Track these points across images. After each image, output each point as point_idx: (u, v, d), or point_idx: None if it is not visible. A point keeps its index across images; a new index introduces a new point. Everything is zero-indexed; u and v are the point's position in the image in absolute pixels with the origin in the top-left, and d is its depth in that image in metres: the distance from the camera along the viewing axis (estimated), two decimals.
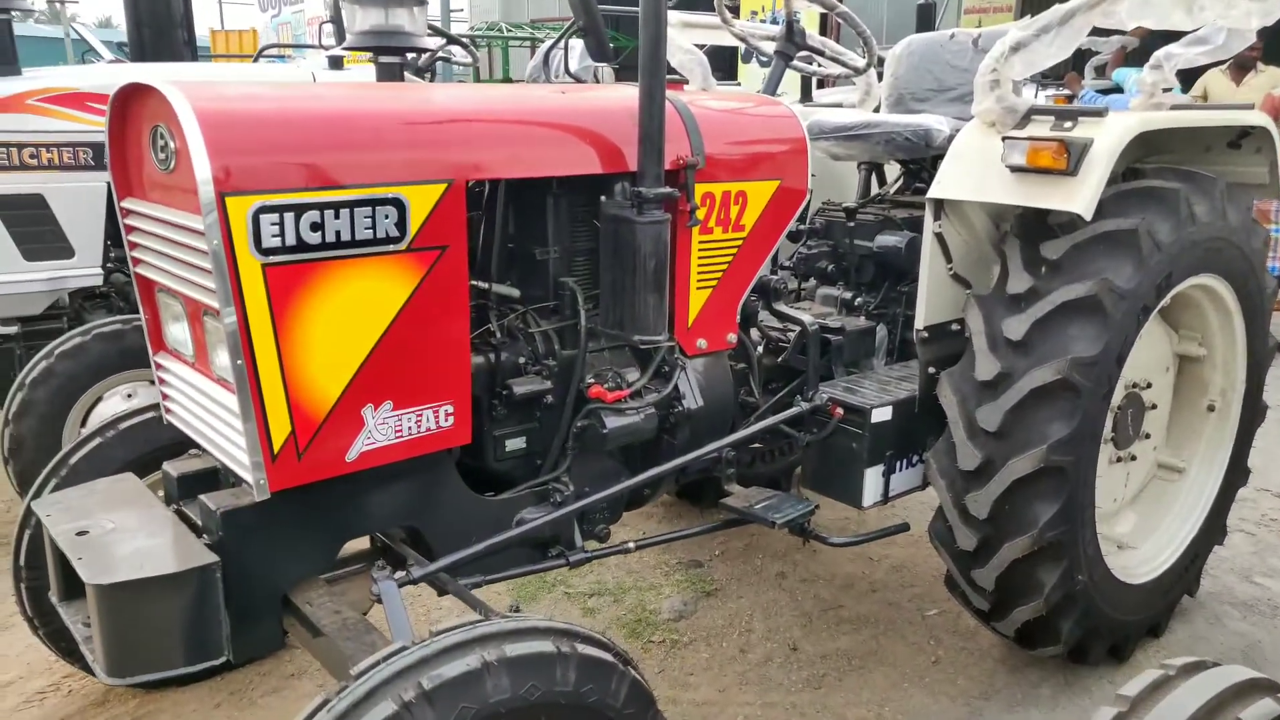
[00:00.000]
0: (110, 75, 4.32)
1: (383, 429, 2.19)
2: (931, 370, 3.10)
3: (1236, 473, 3.55)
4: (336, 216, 2.02)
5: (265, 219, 1.93)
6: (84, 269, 4.27)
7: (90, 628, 2.12)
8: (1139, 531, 3.42)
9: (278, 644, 2.32)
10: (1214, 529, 3.53)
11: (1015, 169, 2.72)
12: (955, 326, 3.15)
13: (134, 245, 2.33)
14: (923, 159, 3.67)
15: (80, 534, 2.12)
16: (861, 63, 3.31)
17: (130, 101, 2.17)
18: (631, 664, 1.97)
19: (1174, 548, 3.39)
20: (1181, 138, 3.20)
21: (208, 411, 2.19)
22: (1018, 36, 2.80)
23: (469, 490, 2.50)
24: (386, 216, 2.09)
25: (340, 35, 5.48)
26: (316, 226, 1.99)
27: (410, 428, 2.24)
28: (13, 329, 4.21)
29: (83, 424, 3.84)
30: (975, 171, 2.85)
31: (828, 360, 3.21)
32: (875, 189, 4.04)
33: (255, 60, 6.61)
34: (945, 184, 2.90)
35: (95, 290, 4.45)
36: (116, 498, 2.34)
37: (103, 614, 1.95)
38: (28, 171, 4.07)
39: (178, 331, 2.31)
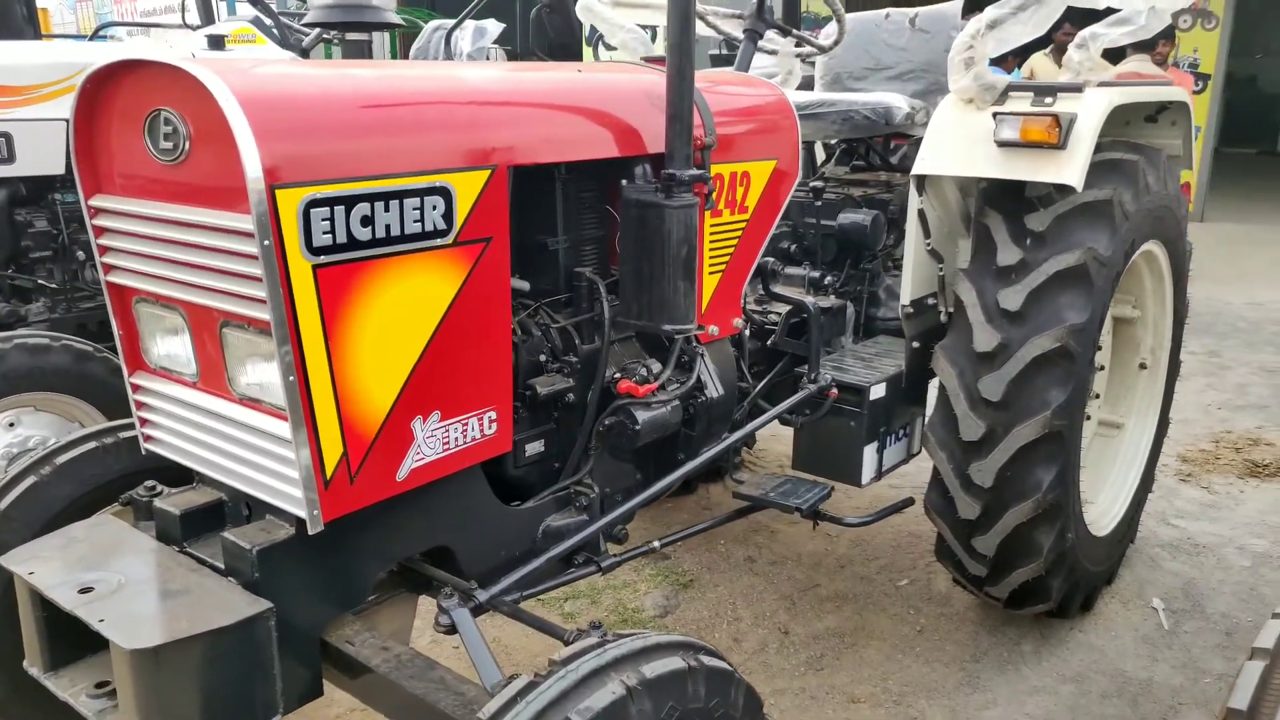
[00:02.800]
0: None
1: (431, 442, 1.99)
2: (916, 345, 3.13)
3: (1163, 425, 3.79)
4: (386, 209, 1.80)
5: (316, 214, 1.69)
6: None
7: (100, 700, 1.83)
8: (1092, 487, 3.59)
9: (319, 691, 2.07)
10: (1149, 479, 3.76)
11: (1006, 144, 2.77)
12: (931, 300, 3.20)
13: (105, 250, 2.01)
14: (869, 138, 3.71)
15: (84, 591, 1.81)
16: (827, 42, 3.29)
17: (109, 85, 1.86)
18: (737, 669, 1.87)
19: (1123, 499, 3.59)
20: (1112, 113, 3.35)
21: (227, 438, 1.92)
22: (995, 14, 2.84)
23: (498, 501, 2.31)
24: (434, 207, 1.89)
25: (207, 11, 5.03)
26: (367, 221, 1.78)
27: (457, 438, 2.05)
28: None
29: None
30: (961, 147, 2.89)
31: (807, 341, 3.19)
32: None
33: (92, 39, 5.95)
34: (931, 160, 2.92)
35: None
36: (105, 544, 2.01)
37: (143, 683, 1.66)
38: None
39: (171, 347, 2.02)
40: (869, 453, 3.02)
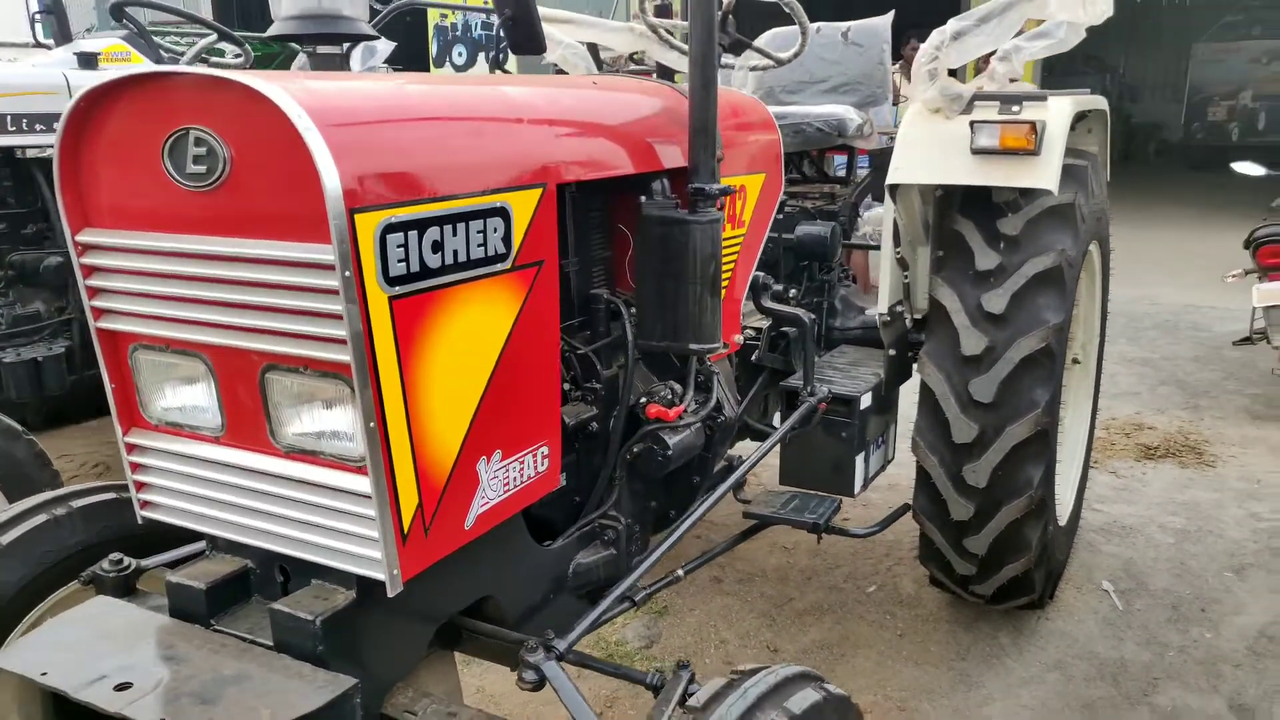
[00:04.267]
0: None
1: (494, 484, 1.83)
2: (892, 352, 3.16)
3: (1094, 416, 3.99)
4: (454, 232, 1.65)
5: (391, 239, 1.52)
6: None
7: None
8: None
9: None
10: (1086, 468, 3.93)
11: (982, 151, 2.83)
12: (899, 308, 3.24)
13: (96, 291, 1.76)
14: (806, 151, 3.73)
15: (121, 688, 1.55)
16: (785, 55, 3.28)
17: (106, 105, 1.62)
18: None
19: (1072, 489, 3.74)
20: None
21: (269, 498, 1.70)
22: (958, 26, 2.91)
23: (534, 542, 2.16)
24: (495, 230, 1.74)
25: (63, 29, 4.58)
26: (437, 246, 1.61)
27: (515, 478, 1.89)
28: None
29: None
30: (933, 156, 2.93)
31: (788, 355, 3.16)
32: None
33: None
34: (905, 169, 2.96)
35: None
36: (114, 630, 1.73)
37: None
38: None
39: (185, 399, 1.77)
40: (859, 462, 3.02)
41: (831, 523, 2.82)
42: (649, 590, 2.41)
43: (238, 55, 4.78)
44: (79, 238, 1.72)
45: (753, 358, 3.02)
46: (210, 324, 1.65)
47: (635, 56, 4.17)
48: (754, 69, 3.57)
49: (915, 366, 3.02)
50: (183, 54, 4.55)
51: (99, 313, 1.77)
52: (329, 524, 1.64)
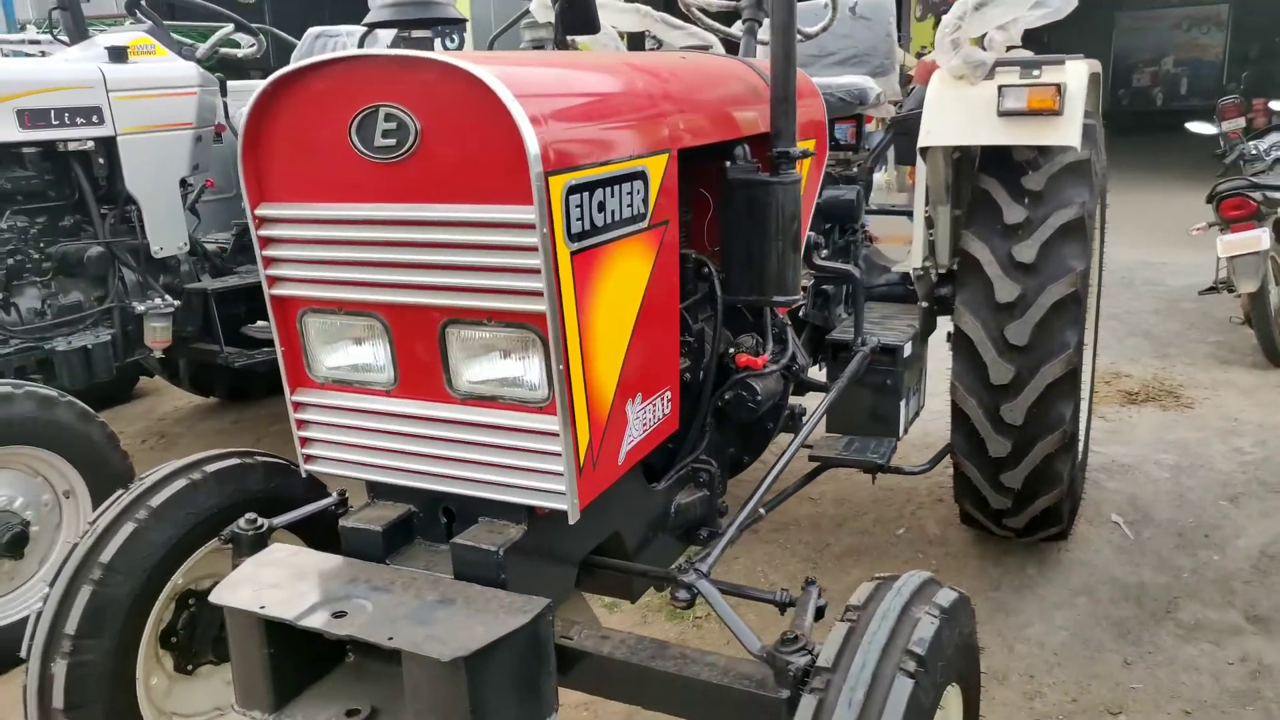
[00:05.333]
0: None
1: (637, 424, 2.02)
2: (925, 305, 3.40)
3: (1095, 359, 4.28)
4: (612, 194, 1.82)
5: (572, 200, 1.70)
6: None
7: None
8: None
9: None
10: (1090, 408, 4.23)
11: (1010, 113, 3.06)
12: (927, 264, 3.48)
13: (271, 261, 1.90)
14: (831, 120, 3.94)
15: (338, 615, 1.71)
16: (813, 29, 3.47)
17: (291, 88, 1.77)
18: None
19: (1082, 428, 4.02)
20: None
21: (446, 444, 1.86)
22: None
23: (646, 483, 2.35)
24: (637, 192, 1.92)
25: (79, 24, 4.61)
26: (602, 206, 1.79)
27: (650, 419, 2.08)
28: None
29: None
30: (962, 119, 3.16)
31: (823, 310, 3.38)
32: None
33: None
34: (936, 132, 3.18)
35: None
36: (310, 570, 1.88)
37: (455, 695, 1.59)
38: None
39: (356, 357, 1.93)
40: (902, 407, 3.25)
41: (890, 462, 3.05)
42: (737, 528, 2.61)
43: (251, 45, 4.85)
44: (258, 211, 1.87)
45: (800, 313, 3.23)
46: (389, 284, 1.81)
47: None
48: None
49: (951, 317, 3.25)
50: (194, 45, 4.60)
51: (273, 280, 1.91)
52: (509, 462, 1.81)
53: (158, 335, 4.07)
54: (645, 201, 1.94)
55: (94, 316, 4.00)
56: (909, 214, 3.56)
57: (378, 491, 2.04)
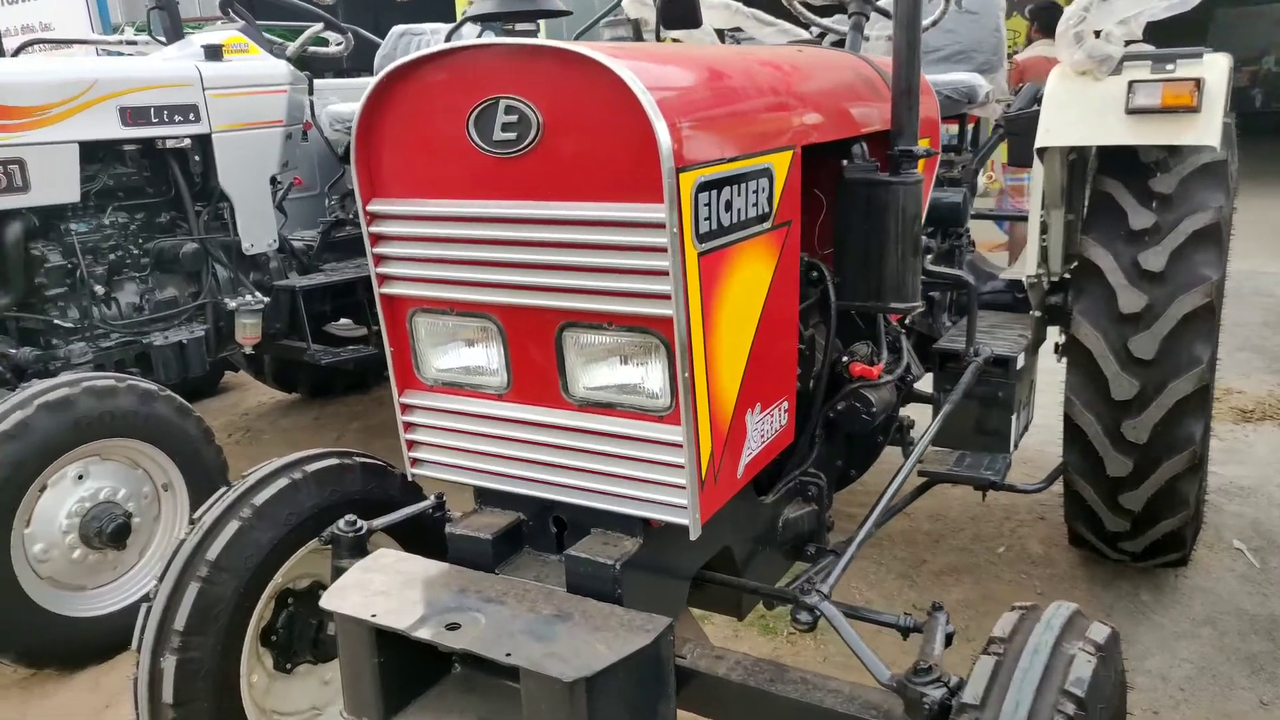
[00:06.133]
0: None
1: (755, 435, 1.92)
2: (1037, 314, 3.23)
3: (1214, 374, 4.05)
4: (739, 192, 1.73)
5: (701, 198, 1.60)
6: None
7: None
8: None
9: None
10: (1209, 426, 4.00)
11: (1140, 110, 2.89)
12: (1040, 271, 3.31)
13: (381, 259, 1.84)
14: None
15: (452, 626, 1.64)
16: (925, 22, 3.33)
17: (406, 81, 1.71)
18: None
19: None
20: None
21: (560, 451, 1.78)
22: None
23: (756, 495, 2.25)
24: (762, 190, 1.82)
25: (175, 24, 4.66)
26: (729, 205, 1.69)
27: (766, 431, 1.98)
28: None
29: (27, 525, 2.98)
30: (1085, 117, 2.99)
31: (928, 318, 3.24)
32: None
33: (16, 55, 5.38)
34: (1056, 131, 3.02)
35: None
36: (418, 577, 1.82)
37: (579, 714, 1.52)
38: None
39: (467, 359, 1.86)
40: (1014, 422, 3.09)
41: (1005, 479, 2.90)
42: (852, 546, 2.50)
43: (339, 43, 4.87)
44: (369, 207, 1.81)
45: (905, 321, 3.09)
46: (504, 285, 1.73)
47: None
48: (891, 38, 3.63)
49: (1064, 327, 3.09)
50: (283, 44, 4.62)
51: (383, 279, 1.86)
52: (626, 473, 1.73)
53: (248, 332, 4.09)
54: (770, 201, 1.84)
55: (188, 312, 4.03)
56: (1023, 218, 3.40)
57: (485, 498, 1.97)
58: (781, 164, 1.87)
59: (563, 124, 1.59)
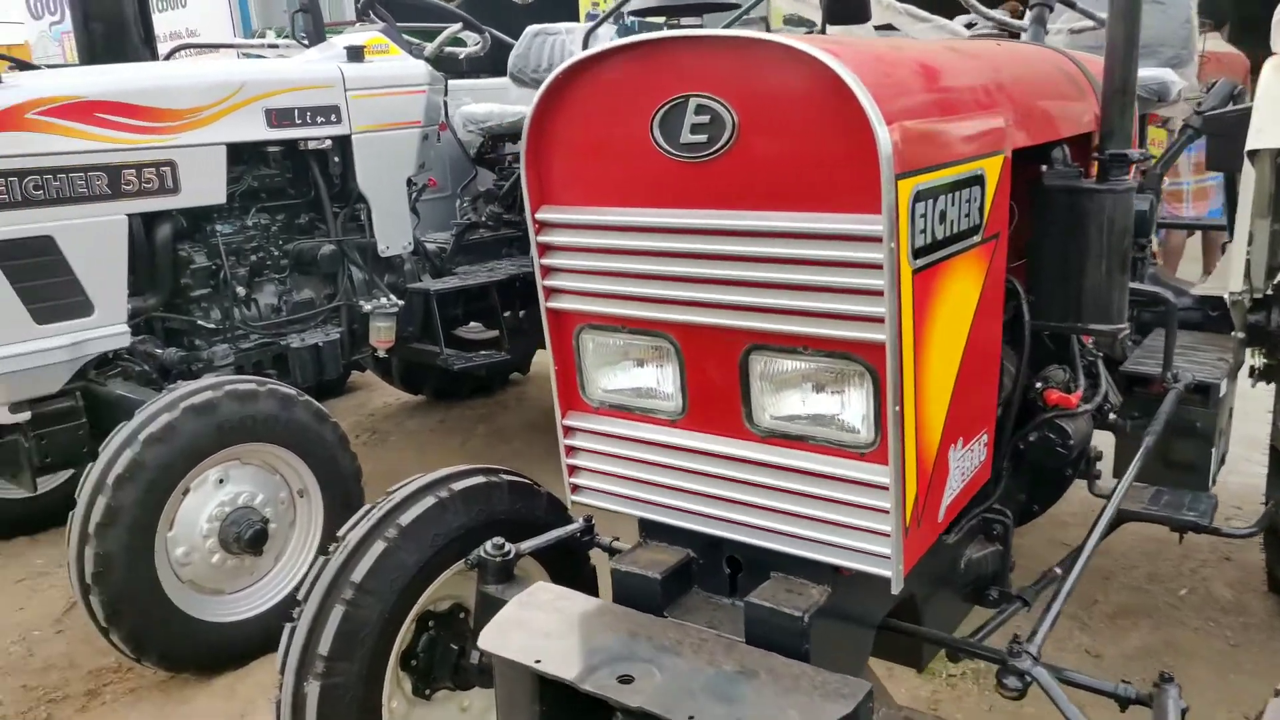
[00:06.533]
0: (114, 79, 3.37)
1: (956, 473, 1.71)
2: (1241, 335, 2.92)
3: None
4: (953, 201, 1.53)
5: (918, 208, 1.41)
6: (106, 329, 3.32)
7: None
8: None
9: None
10: None
11: None
12: (1244, 287, 2.99)
13: (549, 270, 1.71)
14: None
15: (624, 680, 1.49)
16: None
17: (583, 78, 1.56)
18: None
19: None
20: None
21: (739, 486, 1.61)
22: None
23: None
24: (974, 199, 1.61)
25: (318, 26, 4.67)
26: (943, 216, 1.50)
27: (967, 468, 1.77)
28: (22, 415, 3.19)
29: (170, 528, 2.97)
30: None
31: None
32: None
33: (167, 59, 5.52)
34: (1271, 132, 2.71)
35: (107, 356, 3.46)
36: (572, 616, 1.68)
37: None
38: (33, 208, 3.09)
39: (638, 380, 1.71)
40: (1214, 455, 2.79)
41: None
42: (1037, 590, 2.26)
43: (476, 43, 4.81)
44: (538, 215, 1.68)
45: (1089, 341, 2.82)
46: (684, 302, 1.57)
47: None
48: (1074, 31, 3.35)
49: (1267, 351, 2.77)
50: (421, 44, 4.58)
51: (550, 292, 1.72)
52: (817, 514, 1.55)
53: (382, 335, 4.05)
54: (980, 211, 1.63)
55: (324, 314, 4.01)
56: (1224, 227, 3.08)
57: (650, 531, 1.82)
58: (993, 170, 1.66)
59: (761, 125, 1.43)
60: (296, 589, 3.19)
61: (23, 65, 3.92)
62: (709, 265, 1.52)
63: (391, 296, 4.08)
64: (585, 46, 4.29)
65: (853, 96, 1.30)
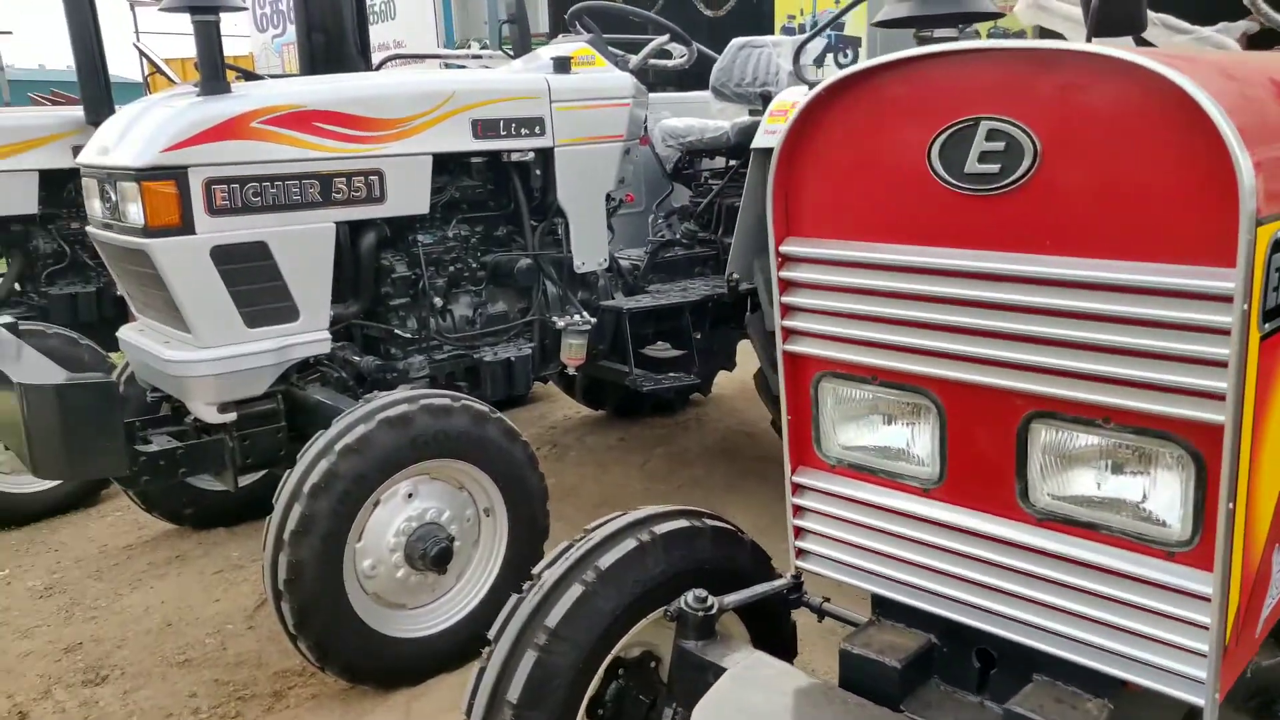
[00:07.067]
0: (332, 88, 3.43)
1: (1278, 579, 1.41)
2: None
3: None
4: None
5: (1274, 261, 1.14)
6: (310, 335, 3.36)
7: None
8: None
9: None
10: None
11: None
12: None
13: (789, 310, 1.52)
14: None
15: None
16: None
17: (850, 94, 1.37)
18: None
19: None
20: None
21: (1008, 575, 1.38)
22: None
23: None
24: None
25: (524, 38, 4.67)
26: None
27: None
28: (229, 416, 3.27)
29: (359, 539, 2.95)
30: None
31: None
32: None
33: (378, 69, 5.69)
34: None
35: (308, 361, 3.51)
36: (798, 702, 1.49)
37: None
38: (250, 214, 3.16)
39: (887, 439, 1.50)
40: None
41: None
42: None
43: (682, 55, 4.70)
44: (783, 247, 1.50)
45: None
46: (953, 356, 1.36)
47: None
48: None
49: None
50: (626, 56, 4.50)
51: (788, 333, 1.54)
52: (1107, 617, 1.30)
53: (573, 352, 3.97)
54: None
55: (517, 328, 3.97)
56: None
57: (884, 609, 1.61)
58: None
59: (1071, 153, 1.20)
60: (477, 611, 3.16)
61: (248, 75, 4.05)
62: (987, 315, 1.30)
63: (584, 314, 3.99)
64: (797, 61, 4.11)
65: (1207, 120, 1.06)
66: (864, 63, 1.37)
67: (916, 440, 1.46)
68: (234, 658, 3.26)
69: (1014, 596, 1.38)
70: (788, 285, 1.51)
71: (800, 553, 1.64)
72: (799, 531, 1.64)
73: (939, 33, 2.04)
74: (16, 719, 2.96)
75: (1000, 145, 1.24)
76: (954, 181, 1.29)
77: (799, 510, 1.62)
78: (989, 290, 1.29)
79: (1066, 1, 2.90)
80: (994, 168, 1.25)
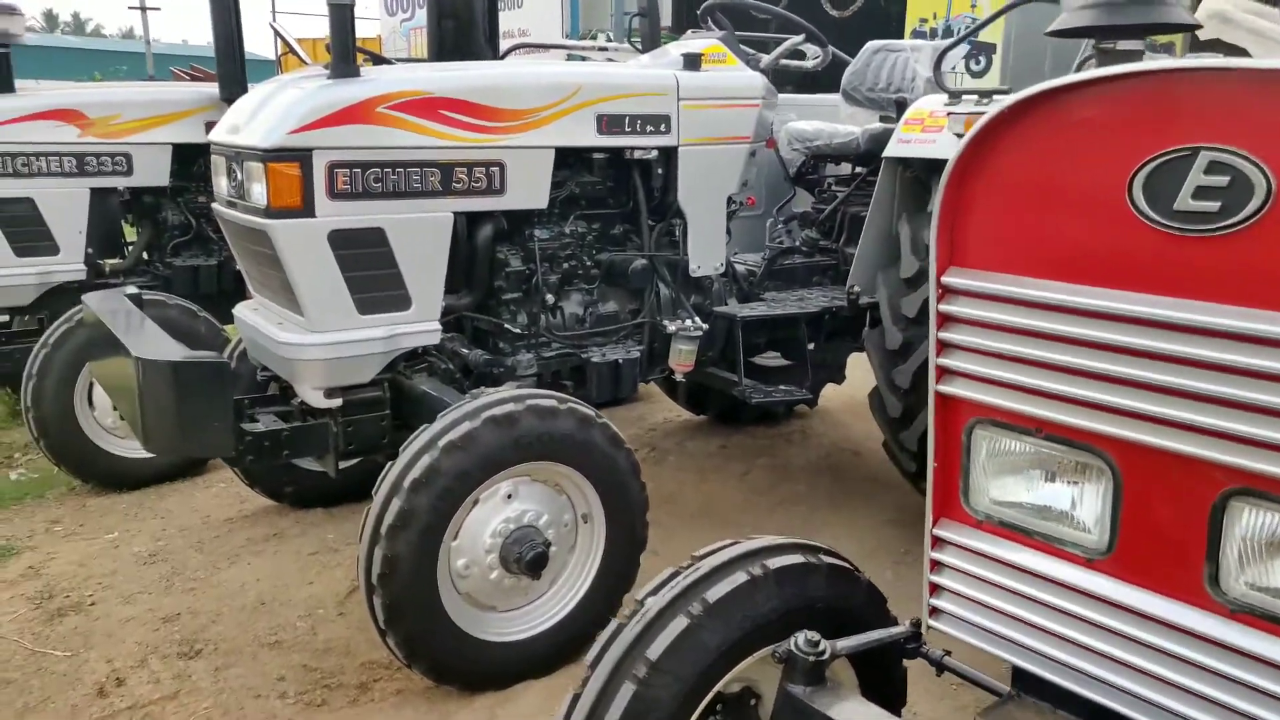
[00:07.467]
0: (459, 75, 3.38)
1: None
2: None
3: None
4: None
5: None
6: (421, 324, 3.32)
7: None
8: None
9: None
10: None
11: None
12: None
13: (945, 347, 1.37)
14: None
15: None
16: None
17: (1042, 114, 1.21)
18: None
19: None
20: None
21: (1181, 665, 1.21)
22: None
23: None
24: None
25: (654, 32, 4.57)
26: None
27: None
28: (334, 401, 3.25)
29: (454, 538, 2.90)
30: None
31: None
32: None
33: (503, 58, 5.67)
34: None
35: (417, 351, 3.47)
36: None
37: None
38: (370, 199, 3.13)
39: (1047, 498, 1.34)
40: None
41: None
42: None
43: (817, 56, 4.53)
44: (945, 278, 1.35)
45: None
46: (1137, 415, 1.19)
47: None
48: None
49: None
50: (757, 55, 4.35)
51: (942, 373, 1.39)
52: None
53: (683, 358, 3.85)
54: None
55: (626, 330, 3.88)
56: None
57: (1025, 684, 1.45)
58: None
59: None
60: (567, 619, 3.08)
61: (376, 59, 4.06)
62: (1188, 374, 1.14)
63: (696, 319, 3.87)
64: (938, 69, 3.90)
65: None
66: (1055, 80, 1.21)
67: (1082, 503, 1.30)
68: (323, 644, 3.25)
69: (1188, 693, 1.21)
70: (946, 320, 1.37)
71: (934, 611, 1.50)
72: (935, 588, 1.49)
73: (1121, 45, 1.84)
74: (115, 685, 3.00)
75: (1223, 180, 1.08)
76: (1159, 219, 1.12)
77: (937, 566, 1.47)
78: (1194, 345, 1.12)
79: (1261, 16, 2.64)
80: (1213, 205, 1.08)
